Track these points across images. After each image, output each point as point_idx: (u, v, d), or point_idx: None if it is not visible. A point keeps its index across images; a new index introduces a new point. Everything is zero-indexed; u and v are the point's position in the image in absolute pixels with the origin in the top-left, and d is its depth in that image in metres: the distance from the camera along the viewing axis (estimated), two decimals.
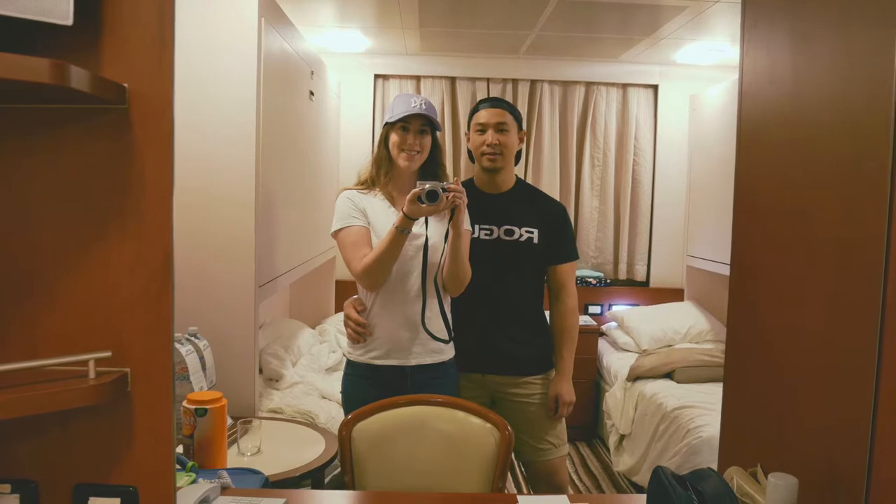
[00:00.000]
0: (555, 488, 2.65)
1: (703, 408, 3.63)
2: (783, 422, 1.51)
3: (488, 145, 2.59)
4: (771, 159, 1.60)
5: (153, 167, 1.23)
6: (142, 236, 1.24)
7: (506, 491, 2.16)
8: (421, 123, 2.36)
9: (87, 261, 1.25)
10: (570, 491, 3.83)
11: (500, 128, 2.58)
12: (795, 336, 1.47)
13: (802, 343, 1.44)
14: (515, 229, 2.62)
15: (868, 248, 1.19)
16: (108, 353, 1.24)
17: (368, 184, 2.45)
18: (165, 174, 1.23)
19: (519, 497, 1.83)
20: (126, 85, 1.22)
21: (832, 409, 1.32)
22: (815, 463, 1.36)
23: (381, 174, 2.42)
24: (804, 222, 1.44)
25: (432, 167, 2.43)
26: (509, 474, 2.73)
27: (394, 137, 2.36)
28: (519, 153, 2.71)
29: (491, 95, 5.05)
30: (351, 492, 2.08)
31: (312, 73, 3.79)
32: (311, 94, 3.79)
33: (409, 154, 2.35)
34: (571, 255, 2.71)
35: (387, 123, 2.38)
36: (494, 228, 2.62)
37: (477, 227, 2.58)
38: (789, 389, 1.49)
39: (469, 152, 2.72)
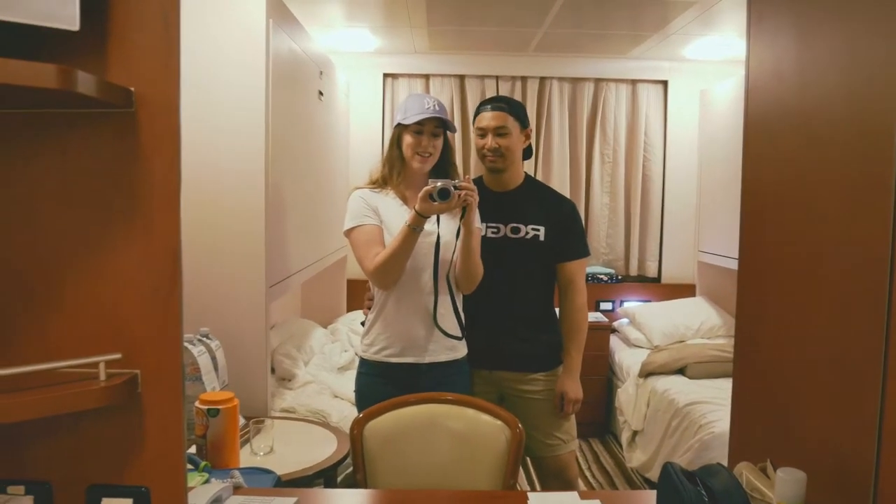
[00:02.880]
0: (565, 483, 2.65)
1: (715, 403, 3.62)
2: (792, 416, 1.51)
3: (488, 149, 2.60)
4: (777, 155, 1.60)
5: (160, 169, 1.24)
6: (150, 238, 1.25)
7: (518, 487, 2.17)
8: (434, 126, 2.37)
9: (95, 263, 1.27)
10: (582, 486, 3.83)
11: (499, 132, 2.58)
12: (803, 331, 1.47)
13: (810, 337, 1.43)
14: (521, 227, 2.62)
15: (874, 243, 1.19)
16: (119, 355, 1.25)
17: (380, 183, 2.45)
18: (173, 176, 1.24)
19: (529, 494, 1.84)
20: (133, 88, 1.23)
21: (840, 404, 1.32)
22: (824, 457, 1.36)
23: (394, 174, 2.42)
24: (811, 217, 1.44)
25: (444, 166, 2.44)
26: (521, 470, 2.73)
27: (408, 139, 2.37)
28: (529, 149, 2.71)
29: (500, 94, 5.05)
30: (362, 490, 2.09)
31: (321, 72, 3.80)
32: (321, 93, 3.80)
33: (422, 157, 2.37)
34: (580, 252, 2.71)
35: (399, 124, 2.39)
36: (501, 226, 2.62)
37: (484, 225, 2.58)
38: (798, 384, 1.49)
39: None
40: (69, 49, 1.21)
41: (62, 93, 1.09)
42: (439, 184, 2.23)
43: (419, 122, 2.34)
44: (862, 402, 1.21)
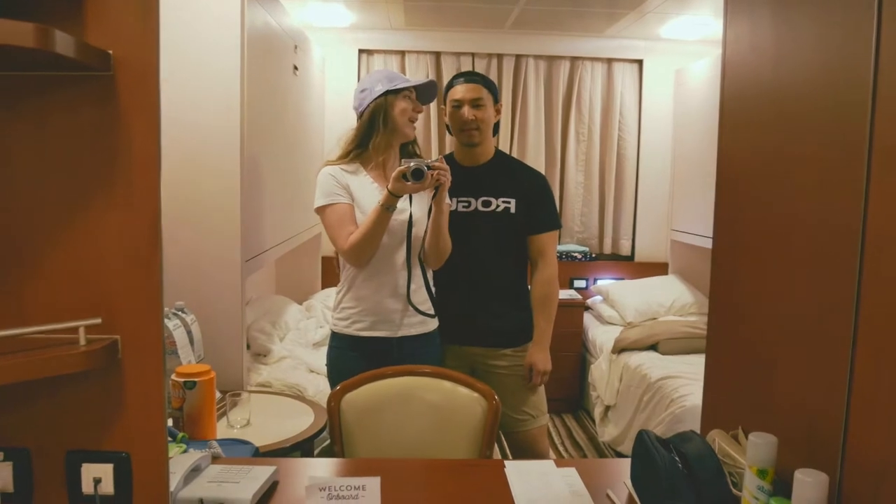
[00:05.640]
0: (536, 458, 2.67)
1: (687, 378, 3.67)
2: (764, 384, 1.54)
3: (465, 122, 2.60)
4: (752, 129, 1.62)
5: (139, 133, 1.23)
6: (129, 202, 1.24)
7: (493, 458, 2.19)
8: (417, 94, 2.43)
9: (75, 228, 1.26)
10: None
11: (475, 104, 2.59)
12: (775, 302, 1.49)
13: (783, 305, 1.46)
14: (492, 200, 2.63)
15: (846, 213, 1.21)
16: (99, 320, 1.24)
17: (355, 156, 2.43)
18: (152, 140, 1.23)
19: (506, 462, 1.85)
20: (111, 52, 1.22)
21: (811, 368, 1.34)
22: (795, 421, 1.39)
23: (383, 144, 2.40)
24: (785, 189, 1.46)
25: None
26: (496, 444, 2.76)
27: (402, 104, 2.38)
28: (497, 125, 2.72)
29: (475, 70, 5.04)
30: (340, 459, 2.10)
31: (296, 47, 3.77)
32: (296, 68, 3.77)
33: (413, 122, 2.42)
34: (551, 224, 2.72)
35: (389, 91, 2.36)
36: (472, 200, 2.63)
37: (455, 199, 2.59)
38: (770, 352, 1.51)
39: (447, 125, 2.73)
40: (46, 11, 1.19)
41: (40, 53, 1.08)
42: (413, 164, 2.24)
43: (416, 88, 2.40)
44: (833, 365, 1.24)
